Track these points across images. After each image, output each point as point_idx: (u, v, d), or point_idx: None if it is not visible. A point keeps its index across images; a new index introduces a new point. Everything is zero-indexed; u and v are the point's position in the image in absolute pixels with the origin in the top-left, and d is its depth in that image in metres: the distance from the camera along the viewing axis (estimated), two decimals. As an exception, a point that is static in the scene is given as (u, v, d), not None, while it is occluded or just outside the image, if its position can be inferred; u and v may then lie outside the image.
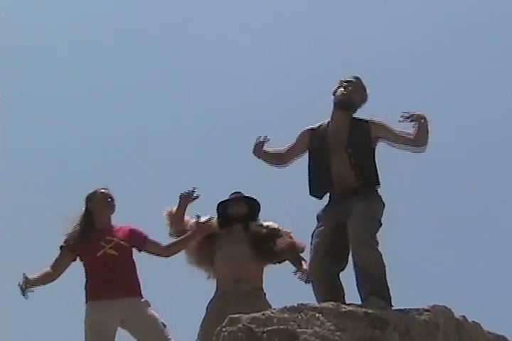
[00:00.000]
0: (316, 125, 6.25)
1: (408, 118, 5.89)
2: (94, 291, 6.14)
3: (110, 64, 19.45)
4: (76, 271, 6.52)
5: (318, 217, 6.08)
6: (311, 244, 6.01)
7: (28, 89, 18.81)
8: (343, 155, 5.99)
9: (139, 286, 6.27)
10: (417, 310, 5.67)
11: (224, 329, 5.22)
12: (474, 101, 19.11)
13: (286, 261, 6.67)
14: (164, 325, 6.18)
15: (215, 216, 6.68)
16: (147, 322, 6.13)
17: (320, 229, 5.99)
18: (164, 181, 15.61)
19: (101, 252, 6.13)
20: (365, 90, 6.22)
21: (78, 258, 6.27)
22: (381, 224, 5.94)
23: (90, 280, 6.20)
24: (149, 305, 6.23)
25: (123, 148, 18.30)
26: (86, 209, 6.37)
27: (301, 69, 18.89)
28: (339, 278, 5.97)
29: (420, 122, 5.89)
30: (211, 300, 6.46)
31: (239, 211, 6.61)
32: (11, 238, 15.74)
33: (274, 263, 6.63)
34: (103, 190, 6.36)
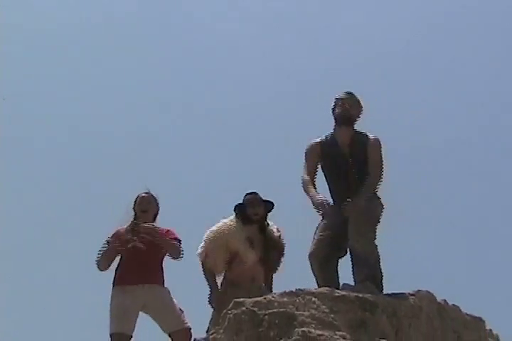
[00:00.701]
0: (321, 139, 6.68)
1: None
2: (121, 277, 6.75)
3: (112, 65, 19.22)
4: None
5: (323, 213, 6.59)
6: (315, 234, 6.51)
7: (30, 88, 18.80)
8: (348, 168, 6.49)
9: (161, 275, 6.83)
10: (403, 294, 6.14)
11: (229, 312, 5.71)
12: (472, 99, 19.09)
13: None
14: (182, 311, 6.75)
15: (236, 215, 6.94)
16: (166, 307, 6.70)
17: (325, 222, 6.51)
18: (164, 179, 15.74)
19: (131, 245, 6.72)
20: (360, 103, 6.70)
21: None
22: (379, 222, 6.43)
23: (119, 267, 6.80)
24: (169, 293, 6.80)
25: (123, 147, 18.24)
26: (133, 210, 7.04)
27: (301, 70, 18.89)
28: (337, 265, 6.47)
29: None
30: (225, 284, 6.86)
31: (258, 213, 6.89)
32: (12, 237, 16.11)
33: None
34: (144, 195, 7.00)
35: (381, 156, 6.58)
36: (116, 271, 6.86)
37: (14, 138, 17.40)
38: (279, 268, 6.99)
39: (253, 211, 6.89)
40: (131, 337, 6.64)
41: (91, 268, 7.03)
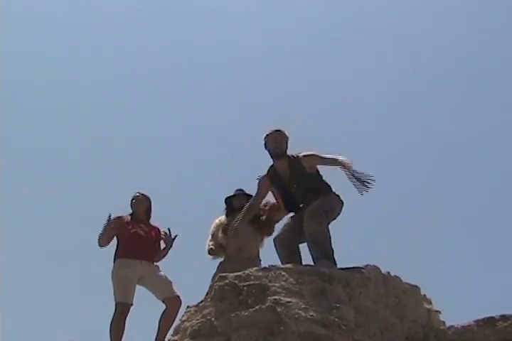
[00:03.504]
0: (268, 173, 7.64)
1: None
2: (124, 252, 7.97)
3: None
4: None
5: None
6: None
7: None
8: (296, 191, 7.47)
9: (154, 256, 8.11)
10: (355, 268, 6.77)
11: (215, 284, 6.48)
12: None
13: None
14: (170, 282, 7.94)
15: (224, 207, 8.52)
16: (159, 279, 7.92)
17: (289, 218, 7.63)
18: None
19: (134, 230, 7.98)
20: (285, 136, 7.60)
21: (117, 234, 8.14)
22: (332, 212, 7.30)
23: (121, 245, 8.06)
24: (159, 268, 7.99)
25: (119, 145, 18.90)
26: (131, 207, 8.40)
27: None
28: (298, 248, 7.41)
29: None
30: (220, 262, 8.24)
31: (241, 203, 8.25)
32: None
33: (271, 231, 8.30)
34: (137, 194, 8.37)
35: (320, 157, 7.41)
36: (117, 248, 8.05)
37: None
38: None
39: (238, 203, 8.30)
40: (132, 304, 7.83)
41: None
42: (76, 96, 19.14)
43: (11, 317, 14.40)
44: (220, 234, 8.39)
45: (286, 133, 7.63)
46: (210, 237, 8.51)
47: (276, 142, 7.54)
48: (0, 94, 15.61)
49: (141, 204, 8.46)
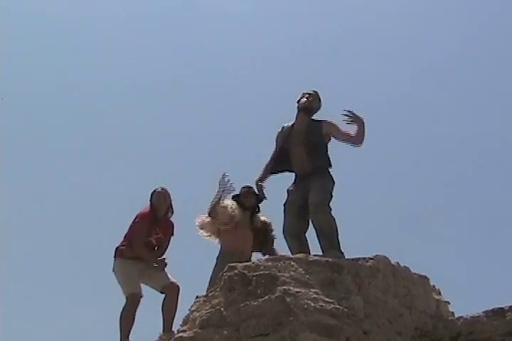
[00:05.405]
0: (283, 126, 7.86)
1: (348, 116, 7.43)
2: (130, 255, 7.87)
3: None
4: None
5: (288, 191, 7.72)
6: (284, 210, 7.63)
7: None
8: (302, 148, 7.60)
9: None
10: (364, 258, 6.81)
11: (224, 274, 6.50)
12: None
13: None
14: (163, 270, 7.89)
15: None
16: (152, 270, 7.90)
17: (290, 199, 7.64)
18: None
19: (150, 238, 7.91)
20: (320, 100, 7.87)
21: None
22: (332, 196, 7.49)
23: (133, 248, 7.91)
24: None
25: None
26: (150, 202, 8.06)
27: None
28: (305, 236, 7.51)
29: (358, 123, 7.41)
30: (220, 255, 8.14)
31: (250, 202, 8.25)
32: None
33: (258, 250, 8.32)
34: (160, 190, 8.05)
35: (338, 128, 7.62)
36: (126, 243, 7.96)
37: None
38: (271, 243, 8.26)
39: (245, 200, 8.17)
40: (142, 296, 7.77)
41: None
42: (76, 95, 19.11)
43: (11, 317, 14.29)
44: (237, 211, 8.18)
45: (320, 97, 7.89)
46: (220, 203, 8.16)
47: (308, 97, 7.80)
48: (0, 92, 15.53)
49: (165, 202, 8.08)
